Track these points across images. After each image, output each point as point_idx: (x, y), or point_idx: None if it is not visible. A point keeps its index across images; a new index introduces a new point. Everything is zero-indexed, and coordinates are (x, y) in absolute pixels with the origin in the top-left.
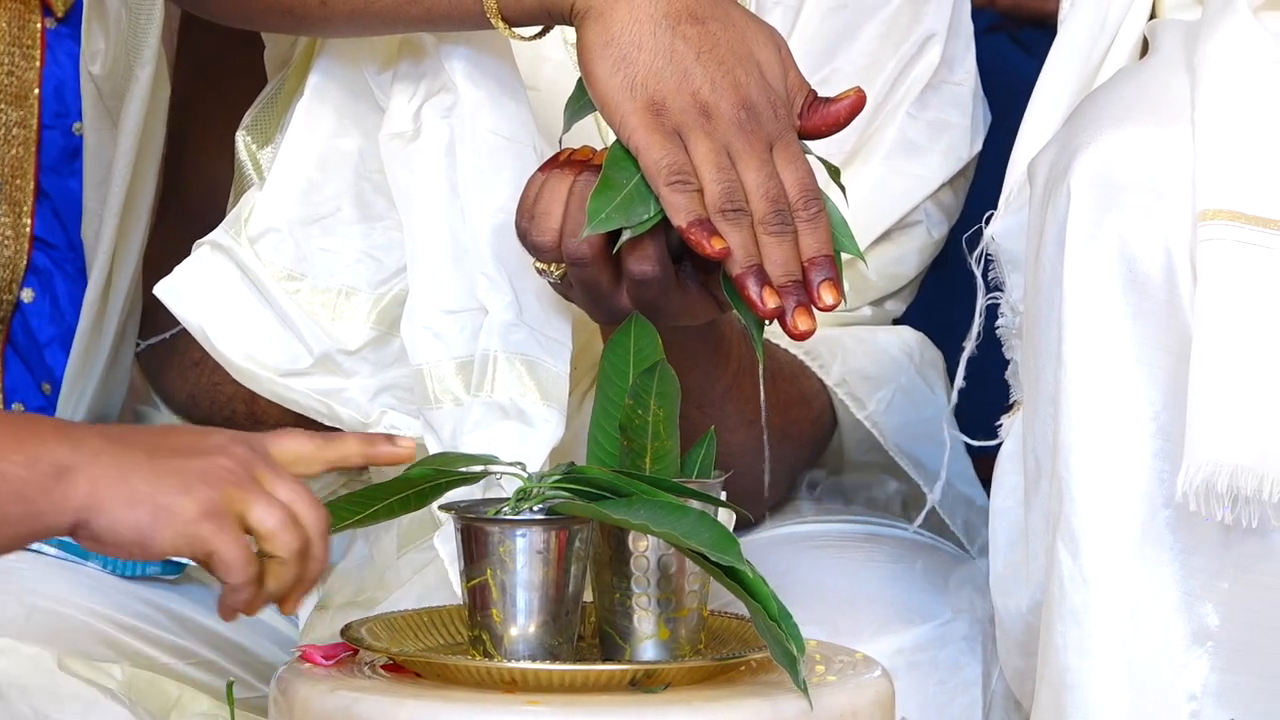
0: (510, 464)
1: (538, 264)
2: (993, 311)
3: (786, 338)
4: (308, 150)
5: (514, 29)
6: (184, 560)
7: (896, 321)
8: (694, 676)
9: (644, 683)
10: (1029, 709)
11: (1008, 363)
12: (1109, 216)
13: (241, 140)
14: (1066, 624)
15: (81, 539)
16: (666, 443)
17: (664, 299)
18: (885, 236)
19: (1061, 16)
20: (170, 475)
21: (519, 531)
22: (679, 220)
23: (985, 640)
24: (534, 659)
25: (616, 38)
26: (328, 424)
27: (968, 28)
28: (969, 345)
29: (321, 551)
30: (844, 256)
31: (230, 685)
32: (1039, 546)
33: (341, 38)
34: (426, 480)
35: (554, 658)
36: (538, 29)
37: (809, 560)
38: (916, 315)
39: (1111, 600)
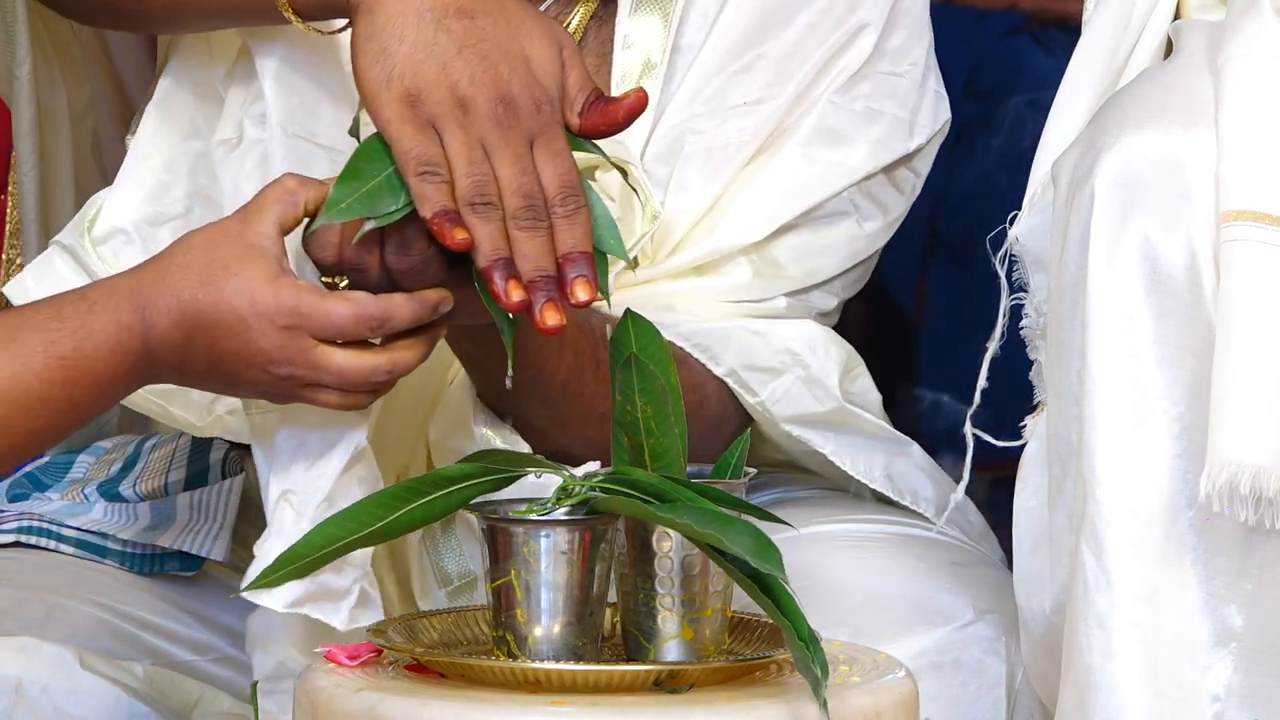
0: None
1: (324, 278)
2: (1016, 312)
3: (673, 332)
4: (157, 152)
5: (310, 23)
6: (202, 555)
7: (844, 315)
8: (718, 677)
9: (668, 683)
10: (1053, 710)
11: (1031, 363)
12: (1132, 217)
13: (131, 141)
14: (1090, 625)
15: None
16: (663, 440)
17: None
18: (801, 225)
19: (1085, 17)
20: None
21: (543, 532)
22: (424, 211)
23: (1009, 641)
24: (558, 659)
25: (380, 31)
26: (165, 424)
27: (918, 19)
28: (992, 346)
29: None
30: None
31: (254, 686)
32: (1062, 548)
33: (166, 33)
34: (467, 477)
35: (578, 658)
36: (341, 23)
37: (833, 560)
38: (938, 316)
39: (1135, 601)
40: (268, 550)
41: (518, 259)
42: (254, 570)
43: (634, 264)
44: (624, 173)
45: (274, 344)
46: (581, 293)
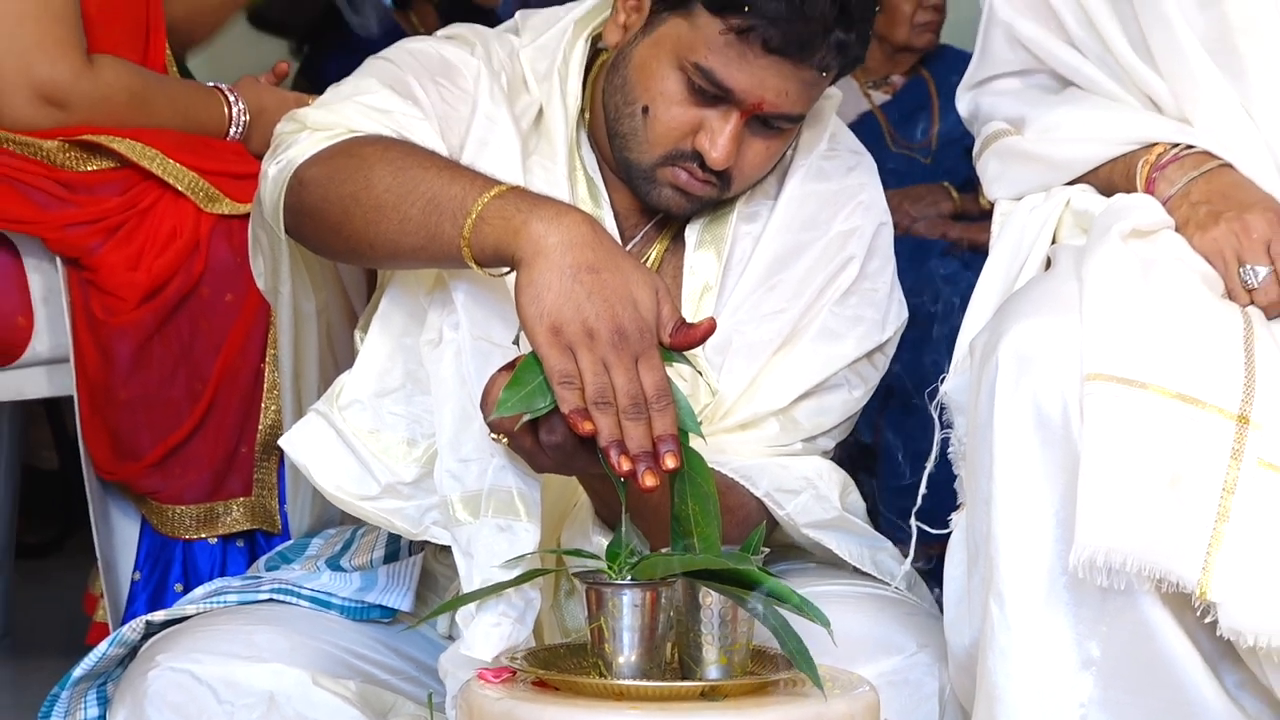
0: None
1: (491, 435)
2: (946, 443)
3: (726, 467)
4: (381, 347)
5: (487, 269)
6: (395, 608)
7: (838, 451)
8: (745, 689)
9: (710, 694)
10: (970, 714)
11: (956, 476)
12: (1024, 378)
13: (358, 335)
14: (995, 655)
15: None
16: (706, 530)
17: (573, 459)
18: (811, 394)
19: (991, 244)
20: None
21: (624, 592)
22: (564, 408)
23: (941, 667)
24: (635, 678)
25: (534, 281)
26: (388, 530)
27: (885, 251)
28: (929, 465)
29: None
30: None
31: (430, 696)
32: (977, 602)
33: (387, 269)
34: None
35: (648, 677)
36: (507, 270)
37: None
38: (898, 444)
39: (1026, 639)
40: (473, 621)
41: (626, 440)
42: (468, 635)
43: (700, 422)
44: (700, 371)
45: None
46: (670, 462)
